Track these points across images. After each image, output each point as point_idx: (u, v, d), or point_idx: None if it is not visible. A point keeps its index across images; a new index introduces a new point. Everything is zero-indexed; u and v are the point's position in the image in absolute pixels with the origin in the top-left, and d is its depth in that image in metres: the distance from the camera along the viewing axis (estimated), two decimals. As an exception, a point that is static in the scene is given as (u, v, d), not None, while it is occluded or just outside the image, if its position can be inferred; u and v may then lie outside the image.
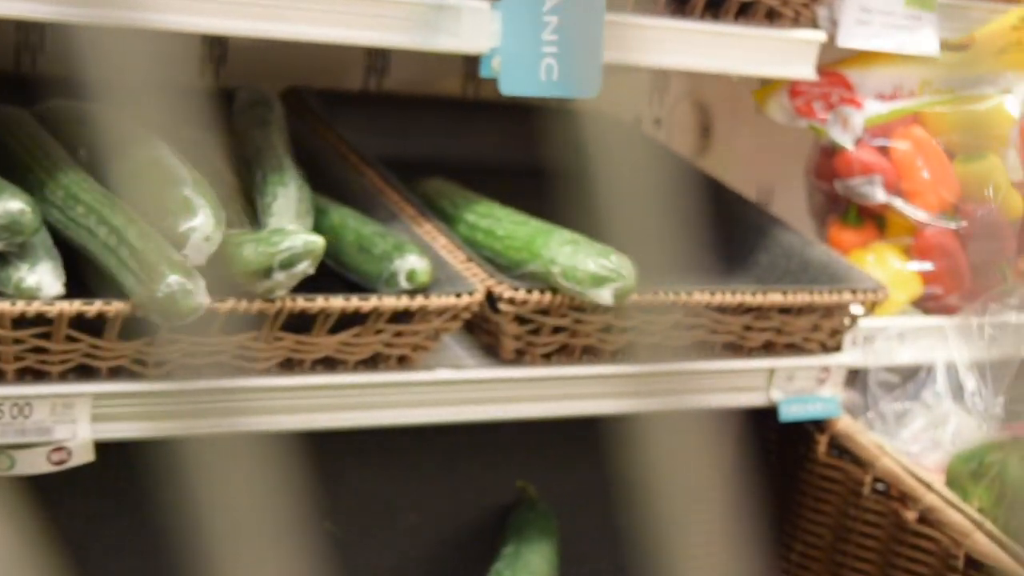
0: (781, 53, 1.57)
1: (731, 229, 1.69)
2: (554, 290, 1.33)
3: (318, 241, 1.17)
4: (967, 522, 1.37)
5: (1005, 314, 1.58)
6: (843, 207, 1.70)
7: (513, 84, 1.34)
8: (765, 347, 1.51)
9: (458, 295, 1.28)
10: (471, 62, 2.23)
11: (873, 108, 1.66)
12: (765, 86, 1.70)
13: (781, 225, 1.66)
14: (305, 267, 1.16)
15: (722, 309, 1.43)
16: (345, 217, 1.36)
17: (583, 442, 1.55)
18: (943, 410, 1.51)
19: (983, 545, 1.34)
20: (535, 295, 1.32)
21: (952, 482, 1.45)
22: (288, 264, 1.16)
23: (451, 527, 1.50)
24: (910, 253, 1.66)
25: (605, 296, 1.30)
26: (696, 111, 2.27)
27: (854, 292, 1.49)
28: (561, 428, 1.49)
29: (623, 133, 1.97)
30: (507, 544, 1.43)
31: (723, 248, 1.68)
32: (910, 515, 1.41)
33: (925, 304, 1.67)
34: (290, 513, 1.38)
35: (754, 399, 1.52)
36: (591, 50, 1.29)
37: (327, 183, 1.50)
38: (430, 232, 1.42)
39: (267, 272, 1.16)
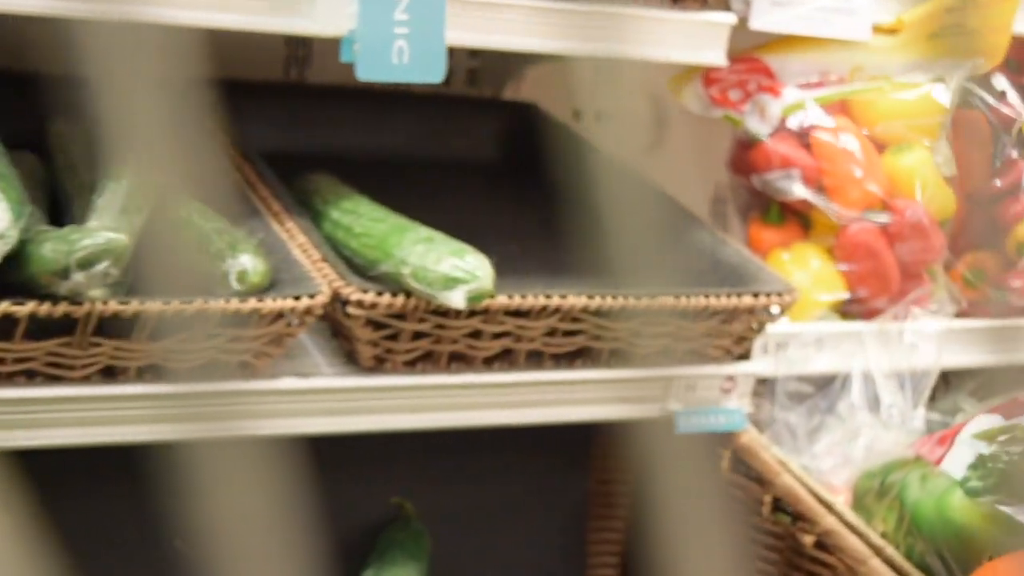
0: (686, 37, 1.45)
1: (644, 227, 1.57)
2: (408, 292, 1.22)
3: (119, 239, 1.07)
4: (865, 548, 1.24)
5: (927, 319, 1.46)
6: (766, 204, 1.58)
7: (369, 69, 1.23)
8: (663, 354, 1.40)
9: (296, 298, 1.18)
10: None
11: (792, 96, 1.54)
12: (681, 73, 1.59)
13: (695, 222, 1.54)
14: (106, 267, 1.07)
15: (603, 313, 1.32)
16: (191, 213, 1.26)
17: (466, 456, 1.45)
18: (857, 423, 1.39)
19: (879, 573, 1.22)
20: (386, 298, 1.21)
21: (858, 502, 1.33)
22: (87, 263, 1.06)
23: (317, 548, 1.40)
24: (834, 253, 1.54)
25: (456, 299, 1.19)
26: (647, 104, 2.16)
27: (756, 295, 1.37)
28: (444, 440, 1.38)
29: (547, 127, 1.85)
30: (368, 567, 1.32)
31: (634, 247, 1.57)
32: (807, 539, 1.30)
33: (851, 308, 1.55)
34: (130, 529, 1.26)
35: (649, 410, 1.41)
36: (437, 31, 1.19)
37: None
38: (291, 230, 1.32)
39: (65, 272, 1.06)
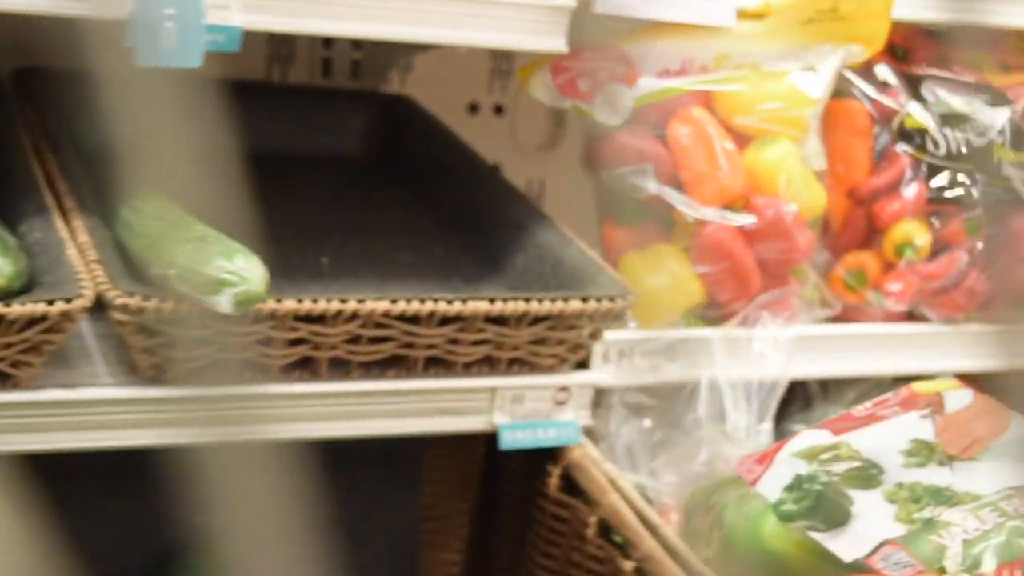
0: (522, 22, 1.35)
1: (493, 227, 1.48)
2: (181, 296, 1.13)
3: None
4: (684, 575, 1.14)
5: (779, 325, 1.35)
6: (621, 202, 1.48)
7: (145, 54, 1.14)
8: (488, 363, 1.30)
9: (50, 302, 1.09)
10: (277, 43, 2.04)
11: (648, 86, 1.43)
12: (531, 63, 1.49)
13: (543, 222, 1.44)
14: None
15: (409, 319, 1.22)
16: (-47, 212, 1.17)
17: (280, 471, 1.35)
18: (699, 437, 1.29)
19: (694, 604, 1.12)
20: (153, 302, 1.12)
21: (687, 524, 1.22)
22: None
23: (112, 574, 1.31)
24: (691, 253, 1.43)
25: (223, 303, 1.09)
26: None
27: (585, 300, 1.27)
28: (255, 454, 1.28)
29: (419, 121, 1.72)
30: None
31: (481, 249, 1.47)
32: (627, 565, 1.19)
33: (710, 313, 1.44)
34: None
35: (472, 424, 1.31)
36: (197, 11, 1.09)
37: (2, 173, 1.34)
38: (76, 229, 1.23)
39: None
